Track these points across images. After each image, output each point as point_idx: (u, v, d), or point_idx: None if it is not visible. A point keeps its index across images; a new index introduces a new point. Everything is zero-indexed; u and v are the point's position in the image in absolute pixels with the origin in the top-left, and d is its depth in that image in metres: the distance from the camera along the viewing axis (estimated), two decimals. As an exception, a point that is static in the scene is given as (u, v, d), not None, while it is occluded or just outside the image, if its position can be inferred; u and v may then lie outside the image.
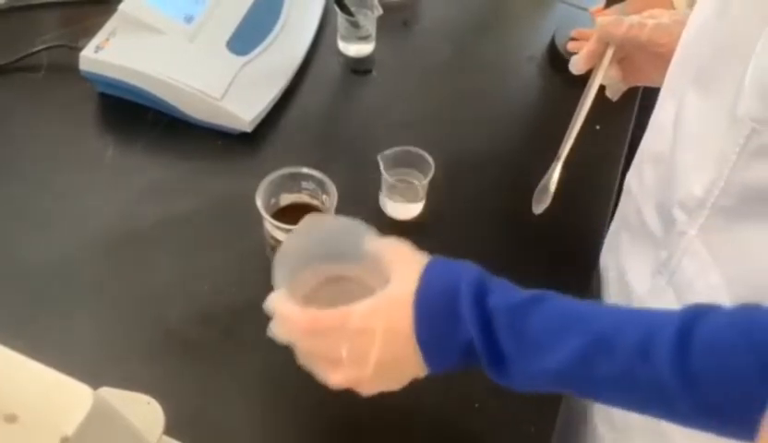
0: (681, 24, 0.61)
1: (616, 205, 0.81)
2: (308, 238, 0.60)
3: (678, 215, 0.58)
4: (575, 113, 0.75)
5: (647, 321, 0.47)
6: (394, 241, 0.57)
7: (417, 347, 0.51)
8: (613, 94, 0.80)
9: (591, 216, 0.83)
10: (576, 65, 0.76)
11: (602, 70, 0.75)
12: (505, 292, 0.51)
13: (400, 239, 0.57)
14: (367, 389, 0.55)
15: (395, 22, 1.01)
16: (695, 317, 0.45)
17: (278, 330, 0.55)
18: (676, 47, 0.62)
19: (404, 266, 0.54)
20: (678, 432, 0.48)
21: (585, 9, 0.96)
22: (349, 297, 0.54)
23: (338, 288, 0.62)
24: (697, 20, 0.58)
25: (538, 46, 1.01)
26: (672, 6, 0.80)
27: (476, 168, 0.86)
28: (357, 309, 0.53)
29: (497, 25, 1.07)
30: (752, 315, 0.45)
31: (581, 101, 0.75)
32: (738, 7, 0.51)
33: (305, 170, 0.71)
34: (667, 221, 0.60)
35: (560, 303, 0.51)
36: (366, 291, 0.56)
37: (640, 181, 0.67)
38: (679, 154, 0.58)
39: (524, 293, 0.51)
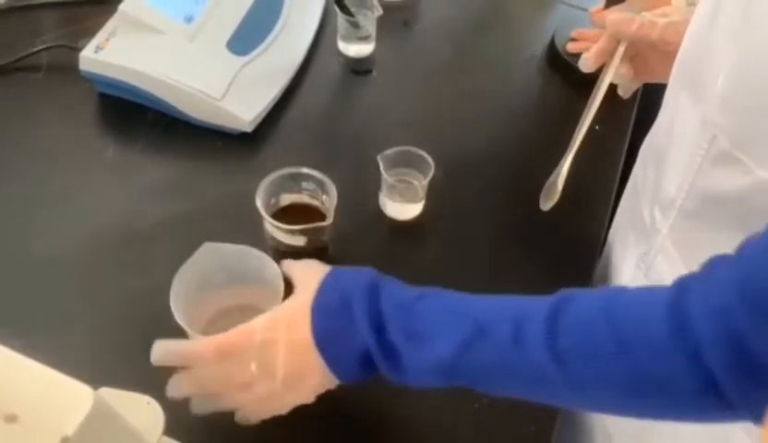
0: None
1: (615, 205, 0.81)
2: (206, 266, 0.61)
3: (656, 213, 0.58)
4: (584, 111, 0.74)
5: (522, 309, 0.48)
6: (301, 261, 0.59)
7: (318, 354, 0.52)
8: (624, 92, 0.80)
9: (590, 216, 0.83)
10: (586, 63, 0.75)
11: (613, 68, 0.74)
12: (395, 291, 0.52)
13: (308, 260, 0.59)
14: (279, 404, 0.55)
15: (395, 22, 1.01)
16: (562, 300, 0.47)
17: (181, 382, 0.55)
18: None
19: (305, 278, 0.55)
20: (685, 429, 0.49)
21: (585, 9, 0.95)
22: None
23: (238, 316, 0.62)
24: (695, 24, 0.58)
25: (538, 46, 1.01)
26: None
27: (476, 168, 0.86)
28: (259, 322, 0.54)
29: (497, 25, 1.07)
30: (611, 295, 0.47)
31: (590, 98, 0.75)
32: (725, 14, 0.51)
33: (305, 170, 0.71)
34: (652, 217, 0.60)
35: (444, 297, 0.52)
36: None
37: (643, 174, 0.67)
38: (669, 155, 0.58)
39: (413, 291, 0.52)
